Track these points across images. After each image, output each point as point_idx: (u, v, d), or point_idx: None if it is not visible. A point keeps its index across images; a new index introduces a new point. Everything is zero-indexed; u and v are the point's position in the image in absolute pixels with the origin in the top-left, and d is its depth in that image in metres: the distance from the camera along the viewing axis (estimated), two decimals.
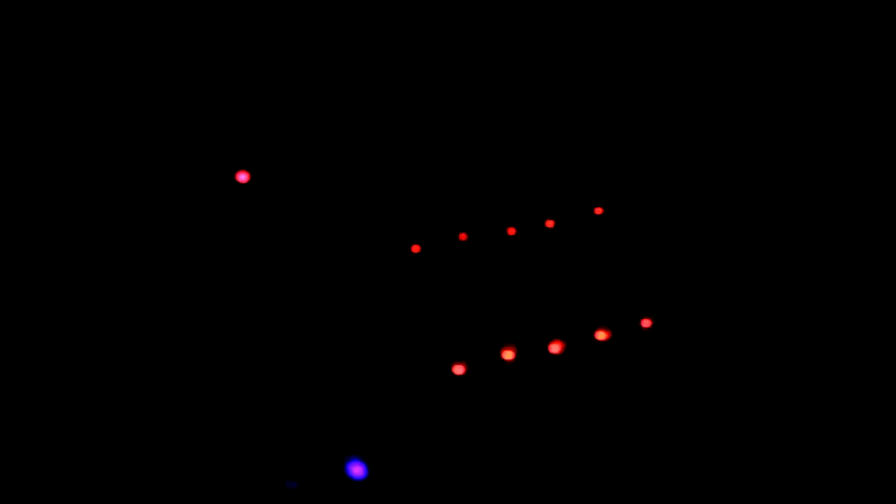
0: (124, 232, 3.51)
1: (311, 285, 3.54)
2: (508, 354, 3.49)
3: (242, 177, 3.58)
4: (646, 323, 3.50)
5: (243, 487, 3.36)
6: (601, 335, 3.50)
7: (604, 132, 3.65)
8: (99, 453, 3.34)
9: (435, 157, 3.65)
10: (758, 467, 3.39)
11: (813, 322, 3.50)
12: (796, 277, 3.53)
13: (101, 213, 3.53)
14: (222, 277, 3.52)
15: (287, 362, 3.47)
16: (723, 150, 3.63)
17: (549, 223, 3.59)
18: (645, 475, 3.39)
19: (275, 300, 3.52)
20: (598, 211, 3.59)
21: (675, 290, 3.55)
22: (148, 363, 3.44)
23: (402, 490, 3.39)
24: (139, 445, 3.36)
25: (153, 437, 3.39)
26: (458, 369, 3.48)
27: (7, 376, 3.37)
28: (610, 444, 3.42)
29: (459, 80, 3.67)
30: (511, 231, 3.58)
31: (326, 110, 3.65)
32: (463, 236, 3.57)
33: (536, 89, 3.68)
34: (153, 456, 3.36)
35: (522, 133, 3.66)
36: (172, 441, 3.38)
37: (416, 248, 3.56)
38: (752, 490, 3.37)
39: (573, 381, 3.48)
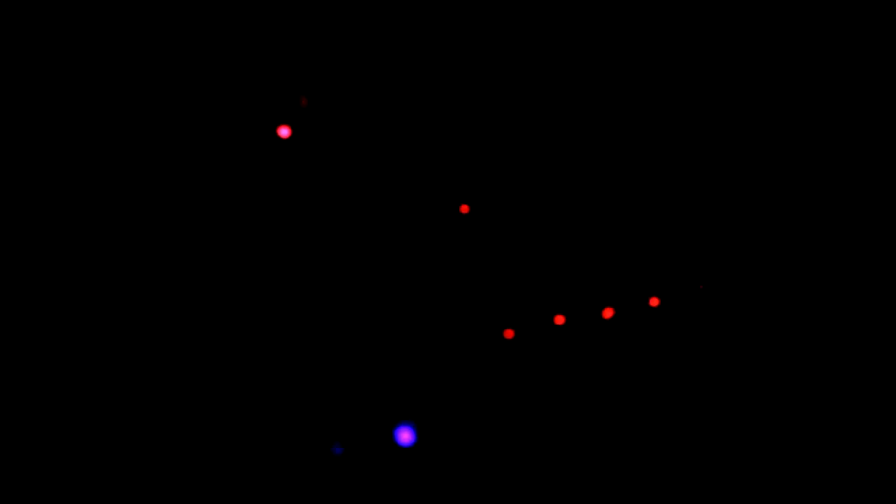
0: (132, 228, 3.42)
1: (363, 248, 3.46)
2: (559, 320, 3.43)
3: (284, 131, 3.48)
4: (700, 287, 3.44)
5: (290, 456, 3.35)
6: (654, 301, 3.44)
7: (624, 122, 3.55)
8: (108, 451, 3.31)
9: (486, 125, 3.54)
10: (766, 464, 3.38)
11: (819, 316, 3.45)
12: (805, 271, 3.47)
13: (104, 209, 3.44)
14: (272, 244, 3.45)
15: (337, 325, 3.42)
16: (742, 139, 3.54)
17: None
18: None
19: (325, 263, 3.45)
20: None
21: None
22: (181, 347, 3.40)
23: (450, 456, 3.37)
24: (164, 436, 3.34)
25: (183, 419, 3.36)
26: (508, 333, 3.42)
27: (7, 376, 3.32)
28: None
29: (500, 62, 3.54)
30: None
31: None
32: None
33: (572, 76, 3.56)
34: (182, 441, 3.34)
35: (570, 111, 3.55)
36: (214, 411, 3.36)
37: (464, 209, 3.47)
38: (759, 488, 3.37)
39: (623, 347, 3.44)
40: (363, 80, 3.50)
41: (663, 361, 3.43)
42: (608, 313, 3.43)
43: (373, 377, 3.41)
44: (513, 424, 3.40)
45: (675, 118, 3.52)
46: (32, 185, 3.41)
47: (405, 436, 3.36)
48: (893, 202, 3.47)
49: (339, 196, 3.47)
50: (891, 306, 3.42)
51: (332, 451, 3.33)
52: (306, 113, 3.47)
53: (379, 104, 3.50)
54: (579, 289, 3.47)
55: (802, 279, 3.46)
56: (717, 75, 3.53)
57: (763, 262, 3.47)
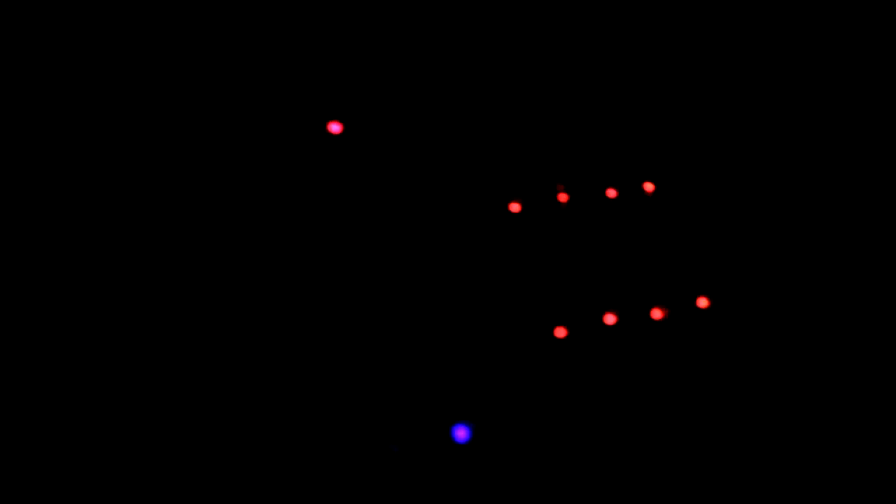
0: (137, 228, 3.35)
1: (414, 247, 3.43)
2: (610, 318, 3.44)
3: (335, 127, 3.44)
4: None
5: (349, 451, 3.25)
6: (702, 302, 3.48)
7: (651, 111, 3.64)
8: (107, 451, 3.20)
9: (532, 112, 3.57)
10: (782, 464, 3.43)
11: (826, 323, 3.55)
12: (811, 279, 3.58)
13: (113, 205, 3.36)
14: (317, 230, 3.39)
15: (391, 323, 3.36)
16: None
17: (649, 185, 3.55)
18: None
19: (377, 260, 3.40)
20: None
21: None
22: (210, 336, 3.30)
23: (506, 453, 3.31)
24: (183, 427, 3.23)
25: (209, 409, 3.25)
26: (560, 332, 3.41)
27: (7, 375, 3.19)
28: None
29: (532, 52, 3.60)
30: (611, 194, 3.53)
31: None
32: (563, 197, 3.50)
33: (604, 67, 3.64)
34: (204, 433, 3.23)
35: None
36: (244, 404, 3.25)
37: (515, 207, 3.47)
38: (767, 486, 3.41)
39: (673, 348, 3.45)
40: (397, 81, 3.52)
41: (710, 364, 3.46)
42: (657, 314, 3.45)
43: (423, 375, 3.35)
44: (564, 425, 3.37)
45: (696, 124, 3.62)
46: (35, 186, 3.31)
47: (461, 433, 3.29)
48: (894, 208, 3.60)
49: (382, 196, 3.45)
50: (891, 311, 3.52)
51: (391, 449, 3.24)
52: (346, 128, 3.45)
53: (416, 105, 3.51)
54: (624, 289, 3.49)
55: (809, 288, 3.54)
56: (732, 83, 3.64)
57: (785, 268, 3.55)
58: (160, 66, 3.40)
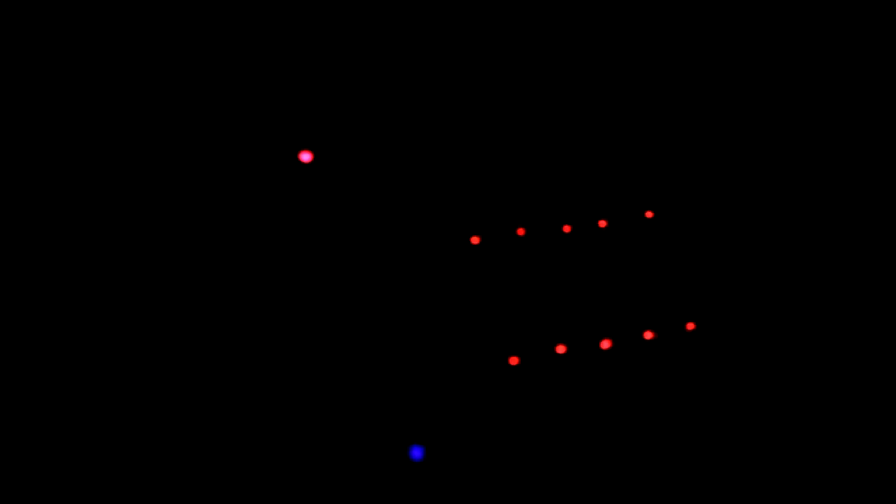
0: (137, 230, 3.48)
1: (368, 275, 3.59)
2: (560, 349, 3.62)
3: (306, 156, 3.60)
4: (690, 326, 3.67)
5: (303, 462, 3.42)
6: (648, 335, 3.66)
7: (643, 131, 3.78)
8: (108, 451, 3.33)
9: (488, 151, 3.72)
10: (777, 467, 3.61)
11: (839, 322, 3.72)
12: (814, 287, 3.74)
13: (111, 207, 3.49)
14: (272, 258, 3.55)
15: (344, 351, 3.53)
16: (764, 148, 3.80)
17: (602, 223, 3.72)
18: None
19: (327, 288, 3.56)
20: (649, 214, 3.73)
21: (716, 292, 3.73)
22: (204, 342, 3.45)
23: (457, 474, 3.50)
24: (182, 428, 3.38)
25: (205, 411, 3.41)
26: (513, 361, 3.59)
27: (7, 375, 3.33)
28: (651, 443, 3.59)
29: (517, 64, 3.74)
30: (566, 229, 3.70)
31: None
32: (521, 231, 3.67)
33: (583, 85, 3.77)
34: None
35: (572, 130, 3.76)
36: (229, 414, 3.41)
37: (475, 240, 3.64)
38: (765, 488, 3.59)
39: (618, 379, 3.64)
40: (378, 92, 3.66)
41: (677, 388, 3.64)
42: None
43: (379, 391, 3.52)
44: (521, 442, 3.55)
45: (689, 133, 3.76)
46: (42, 187, 3.44)
47: (416, 453, 3.48)
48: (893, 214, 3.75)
49: (355, 211, 3.60)
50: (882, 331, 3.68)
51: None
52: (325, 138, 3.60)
53: (393, 118, 3.65)
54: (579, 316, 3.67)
55: (800, 306, 3.70)
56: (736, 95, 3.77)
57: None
58: (136, 77, 3.53)
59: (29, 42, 3.47)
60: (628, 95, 3.76)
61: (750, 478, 3.59)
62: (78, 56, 3.50)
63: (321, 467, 3.44)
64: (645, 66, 3.77)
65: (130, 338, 3.40)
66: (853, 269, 3.75)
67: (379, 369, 3.53)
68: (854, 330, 3.71)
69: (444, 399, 3.54)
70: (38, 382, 3.34)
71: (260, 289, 3.50)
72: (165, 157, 3.51)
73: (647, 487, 3.56)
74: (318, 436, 3.46)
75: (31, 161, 3.44)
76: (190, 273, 3.47)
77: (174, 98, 3.53)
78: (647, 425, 3.61)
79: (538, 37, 3.74)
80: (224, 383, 3.43)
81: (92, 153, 3.48)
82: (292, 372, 3.48)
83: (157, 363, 3.41)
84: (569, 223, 3.70)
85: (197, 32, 3.56)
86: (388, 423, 3.50)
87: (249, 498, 3.36)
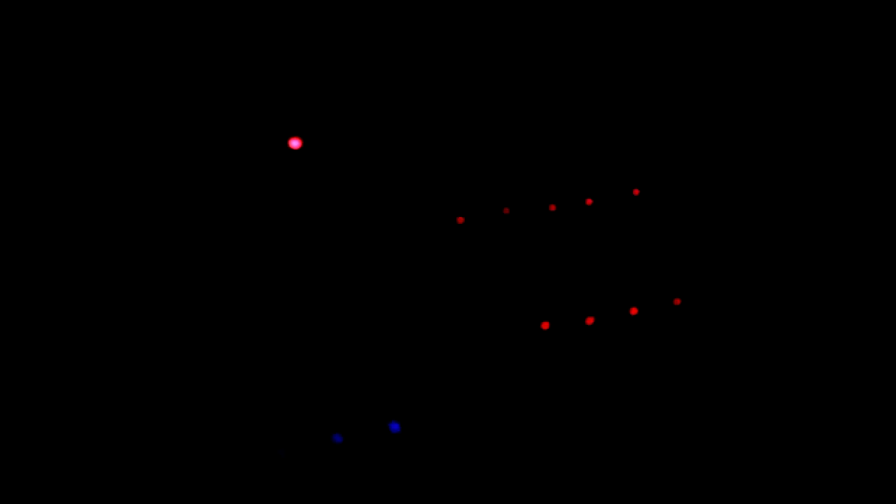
0: (135, 230, 3.58)
1: (377, 254, 3.68)
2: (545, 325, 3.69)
3: (295, 142, 3.69)
4: (676, 301, 3.71)
5: (298, 444, 3.55)
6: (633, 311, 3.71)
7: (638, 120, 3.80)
8: (108, 451, 3.44)
9: (479, 134, 3.78)
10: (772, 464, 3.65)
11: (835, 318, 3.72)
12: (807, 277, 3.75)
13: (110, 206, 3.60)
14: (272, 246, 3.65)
15: (344, 324, 3.63)
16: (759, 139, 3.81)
17: (588, 201, 3.76)
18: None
19: (334, 268, 3.66)
20: (636, 192, 3.77)
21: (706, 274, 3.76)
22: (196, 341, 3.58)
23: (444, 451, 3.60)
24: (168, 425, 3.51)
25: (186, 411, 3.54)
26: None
27: (7, 374, 3.41)
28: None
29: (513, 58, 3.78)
30: (552, 207, 3.75)
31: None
32: (506, 210, 3.73)
33: (583, 71, 3.80)
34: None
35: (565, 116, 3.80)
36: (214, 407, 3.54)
37: (460, 220, 3.72)
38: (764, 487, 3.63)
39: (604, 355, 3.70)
40: (369, 85, 3.73)
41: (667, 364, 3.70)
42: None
43: (370, 375, 3.62)
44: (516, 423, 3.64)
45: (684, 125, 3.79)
46: (43, 187, 3.57)
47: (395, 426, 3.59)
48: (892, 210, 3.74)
49: (353, 197, 3.69)
50: (889, 313, 3.68)
51: (333, 439, 3.53)
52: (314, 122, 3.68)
53: (385, 109, 3.73)
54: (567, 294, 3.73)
55: (802, 285, 3.72)
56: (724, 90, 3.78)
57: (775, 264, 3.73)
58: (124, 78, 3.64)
59: (18, 35, 3.58)
60: (614, 73, 3.79)
61: (736, 459, 3.64)
62: (63, 46, 3.60)
63: (319, 462, 3.57)
64: (629, 45, 3.78)
65: (118, 321, 3.53)
66: (839, 242, 3.74)
67: (369, 351, 3.63)
68: (839, 301, 3.71)
69: (433, 379, 3.64)
70: (38, 382, 3.44)
71: (252, 275, 3.61)
72: (154, 145, 3.62)
73: (633, 466, 3.62)
74: (312, 425, 3.58)
75: (19, 151, 3.56)
76: (180, 259, 3.59)
77: (163, 87, 3.63)
78: (633, 403, 3.67)
79: (518, 20, 3.77)
80: (214, 366, 3.55)
81: (79, 144, 3.59)
82: (284, 358, 3.60)
83: (145, 343, 3.53)
84: (554, 202, 3.75)
85: (185, 23, 3.66)
86: (377, 405, 3.61)
87: (249, 498, 3.47)
